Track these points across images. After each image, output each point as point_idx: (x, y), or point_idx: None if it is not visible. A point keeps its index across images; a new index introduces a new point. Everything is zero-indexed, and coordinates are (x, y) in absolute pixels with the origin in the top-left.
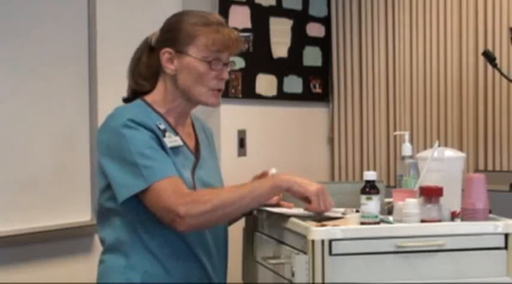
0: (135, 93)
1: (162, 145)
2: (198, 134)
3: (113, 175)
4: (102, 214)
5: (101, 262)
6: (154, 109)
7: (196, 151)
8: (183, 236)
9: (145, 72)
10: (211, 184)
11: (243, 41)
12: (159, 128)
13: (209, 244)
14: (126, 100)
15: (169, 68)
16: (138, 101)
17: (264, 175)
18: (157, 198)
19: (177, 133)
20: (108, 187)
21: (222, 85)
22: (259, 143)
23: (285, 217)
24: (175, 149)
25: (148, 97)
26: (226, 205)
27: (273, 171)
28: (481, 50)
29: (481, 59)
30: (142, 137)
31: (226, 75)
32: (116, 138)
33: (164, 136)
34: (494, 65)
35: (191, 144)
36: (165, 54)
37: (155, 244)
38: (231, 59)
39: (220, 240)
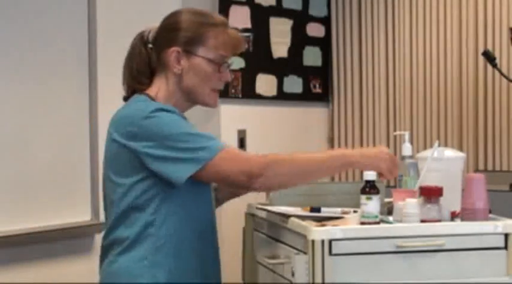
0: (133, 92)
1: None
2: None
3: (166, 158)
4: (125, 212)
5: (113, 262)
6: None
7: None
8: (198, 232)
9: (144, 68)
10: None
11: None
12: None
13: (216, 242)
14: (127, 99)
15: (176, 67)
16: (142, 96)
17: None
18: (231, 161)
19: None
20: (142, 180)
21: (222, 86)
22: (259, 143)
23: (285, 217)
24: None
25: (152, 94)
26: (299, 171)
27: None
28: (481, 50)
29: (481, 59)
30: (181, 120)
31: (229, 77)
32: (157, 125)
33: None
34: (494, 65)
35: None
36: (173, 53)
37: (176, 241)
38: (231, 59)
39: (217, 239)
